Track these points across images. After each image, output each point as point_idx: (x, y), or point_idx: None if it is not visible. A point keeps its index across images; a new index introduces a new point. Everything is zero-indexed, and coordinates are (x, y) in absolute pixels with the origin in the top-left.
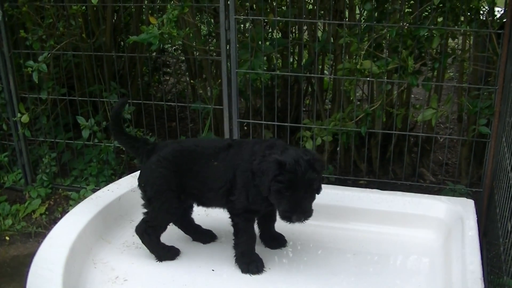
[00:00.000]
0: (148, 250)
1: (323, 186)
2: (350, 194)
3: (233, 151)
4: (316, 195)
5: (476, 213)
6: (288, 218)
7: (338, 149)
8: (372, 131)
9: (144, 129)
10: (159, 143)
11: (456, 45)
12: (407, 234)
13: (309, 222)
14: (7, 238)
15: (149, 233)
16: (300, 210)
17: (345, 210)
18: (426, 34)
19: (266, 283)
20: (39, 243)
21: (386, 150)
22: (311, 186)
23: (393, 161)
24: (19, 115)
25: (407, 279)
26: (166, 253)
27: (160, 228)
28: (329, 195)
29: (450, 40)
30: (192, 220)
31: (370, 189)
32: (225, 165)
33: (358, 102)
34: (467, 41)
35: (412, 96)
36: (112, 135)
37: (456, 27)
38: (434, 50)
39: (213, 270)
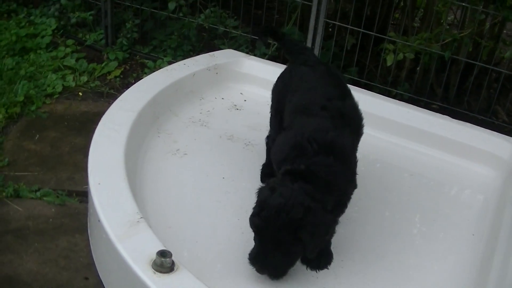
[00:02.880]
0: (212, 130)
1: (395, 102)
2: (420, 115)
3: (315, 117)
4: (309, 255)
5: None
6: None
7: (418, 68)
8: (455, 57)
9: (229, 11)
10: (306, 57)
11: None
12: (467, 167)
13: (374, 134)
14: (80, 94)
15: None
16: (261, 264)
17: (412, 130)
18: None
19: None
20: (109, 103)
21: (465, 80)
22: (286, 248)
23: (470, 93)
24: None
25: (457, 211)
26: None
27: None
28: (400, 112)
29: None
30: None
31: (441, 115)
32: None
33: (448, 26)
34: None
35: (504, 31)
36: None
37: None
38: None
39: None
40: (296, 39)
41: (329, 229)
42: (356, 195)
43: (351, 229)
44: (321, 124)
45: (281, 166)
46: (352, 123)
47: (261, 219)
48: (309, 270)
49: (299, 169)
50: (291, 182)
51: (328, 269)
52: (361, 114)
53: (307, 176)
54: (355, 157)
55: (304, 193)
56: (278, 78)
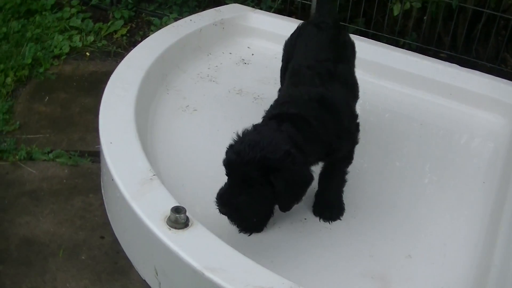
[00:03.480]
0: (221, 85)
1: (403, 51)
2: (428, 64)
3: (303, 77)
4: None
5: None
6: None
7: (425, 18)
8: (463, 5)
9: None
10: (323, 19)
11: None
12: (476, 115)
13: (383, 84)
14: (87, 54)
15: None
16: (223, 203)
17: (421, 79)
18: None
19: None
20: (117, 62)
21: (473, 28)
22: (254, 189)
23: (478, 41)
24: None
25: (467, 159)
26: None
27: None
28: (408, 62)
29: None
30: None
31: (450, 63)
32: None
33: None
34: None
35: None
36: None
37: None
38: None
39: None
40: None
41: (305, 186)
42: (366, 145)
43: (362, 180)
44: (309, 81)
45: None
46: (343, 82)
47: (232, 151)
48: (322, 221)
49: (288, 112)
50: (277, 124)
51: (340, 220)
52: (356, 78)
53: (297, 121)
54: (351, 113)
55: (288, 136)
56: (291, 35)
